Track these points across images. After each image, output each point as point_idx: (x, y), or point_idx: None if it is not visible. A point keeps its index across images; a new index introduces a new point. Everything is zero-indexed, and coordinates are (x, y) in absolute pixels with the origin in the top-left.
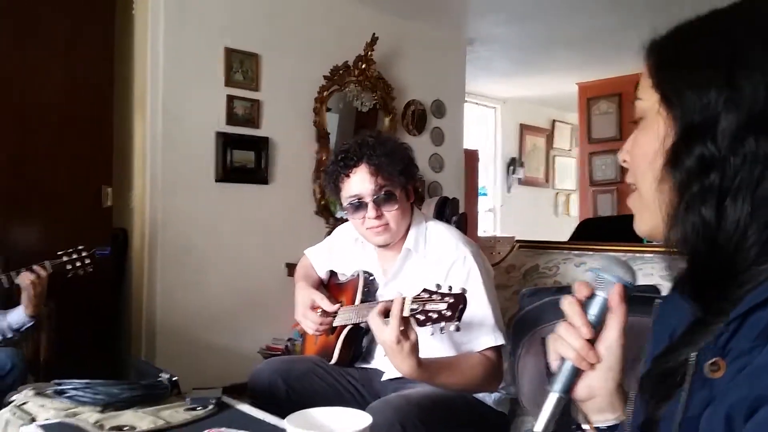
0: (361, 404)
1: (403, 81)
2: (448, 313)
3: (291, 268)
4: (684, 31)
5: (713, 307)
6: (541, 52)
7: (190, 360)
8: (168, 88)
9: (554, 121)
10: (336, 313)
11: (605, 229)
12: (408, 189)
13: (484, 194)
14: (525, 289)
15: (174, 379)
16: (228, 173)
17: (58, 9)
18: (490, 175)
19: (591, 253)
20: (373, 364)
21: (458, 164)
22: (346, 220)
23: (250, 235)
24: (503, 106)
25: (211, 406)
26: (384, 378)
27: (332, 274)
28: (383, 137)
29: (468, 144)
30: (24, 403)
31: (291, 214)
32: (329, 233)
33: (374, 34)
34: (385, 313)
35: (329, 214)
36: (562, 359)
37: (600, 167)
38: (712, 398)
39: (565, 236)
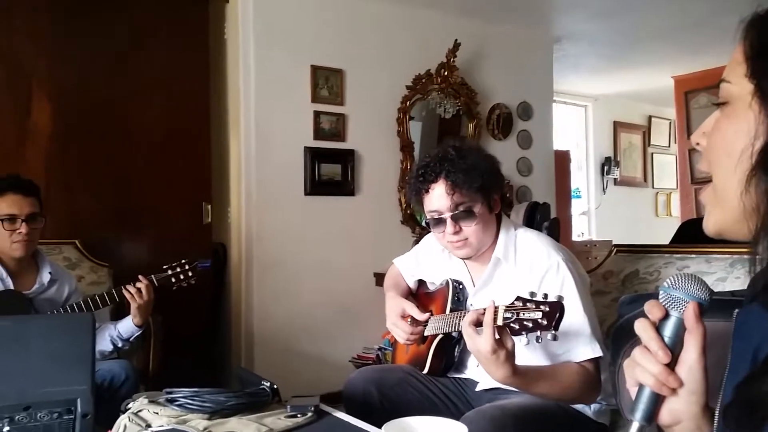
0: (455, 414)
1: (487, 85)
2: (544, 322)
3: (379, 277)
4: None
5: None
6: (632, 46)
7: (285, 368)
8: (259, 106)
9: (650, 116)
10: (426, 322)
11: None
12: (491, 200)
13: (578, 196)
14: (624, 296)
15: (275, 387)
16: (316, 186)
17: (158, 37)
18: (583, 176)
19: (694, 256)
20: (467, 374)
21: (548, 167)
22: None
23: (338, 246)
24: (595, 104)
25: (310, 414)
26: (478, 388)
27: (421, 283)
28: (465, 149)
29: (558, 145)
30: (140, 411)
31: (378, 224)
32: (415, 242)
33: (456, 40)
34: (477, 323)
35: (415, 223)
36: (641, 385)
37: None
38: None
39: (667, 239)
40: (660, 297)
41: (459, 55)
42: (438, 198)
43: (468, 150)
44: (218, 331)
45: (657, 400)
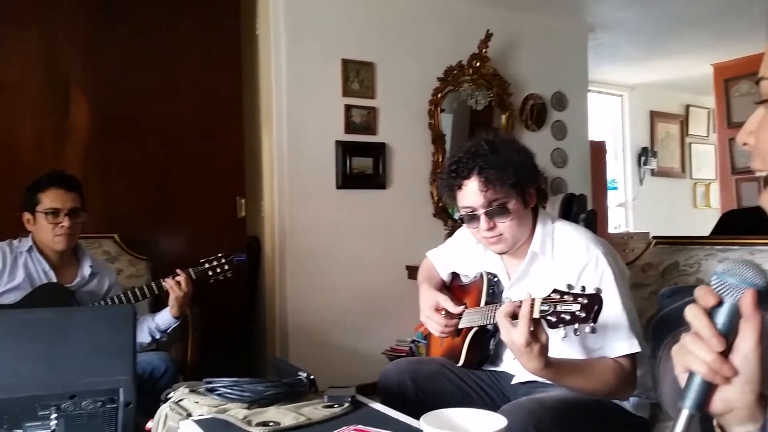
0: (491, 407)
1: (520, 75)
2: (582, 315)
3: (411, 270)
4: None
5: None
6: (670, 33)
7: (319, 360)
8: (291, 101)
9: (688, 106)
10: (461, 314)
11: (751, 221)
12: (526, 195)
13: (614, 188)
14: (665, 288)
15: (311, 377)
16: (348, 180)
17: (191, 34)
18: (619, 167)
19: (736, 247)
20: (502, 367)
21: (583, 158)
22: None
23: (370, 239)
24: (631, 93)
25: (346, 404)
26: (514, 381)
27: (454, 275)
28: (498, 143)
29: (594, 136)
30: (180, 400)
31: (409, 217)
32: (448, 235)
33: (488, 30)
34: (513, 315)
35: (447, 216)
36: (691, 372)
37: (743, 153)
38: None
39: (706, 230)
40: (712, 283)
41: (491, 46)
42: (471, 194)
43: (501, 144)
44: (253, 323)
45: (708, 389)
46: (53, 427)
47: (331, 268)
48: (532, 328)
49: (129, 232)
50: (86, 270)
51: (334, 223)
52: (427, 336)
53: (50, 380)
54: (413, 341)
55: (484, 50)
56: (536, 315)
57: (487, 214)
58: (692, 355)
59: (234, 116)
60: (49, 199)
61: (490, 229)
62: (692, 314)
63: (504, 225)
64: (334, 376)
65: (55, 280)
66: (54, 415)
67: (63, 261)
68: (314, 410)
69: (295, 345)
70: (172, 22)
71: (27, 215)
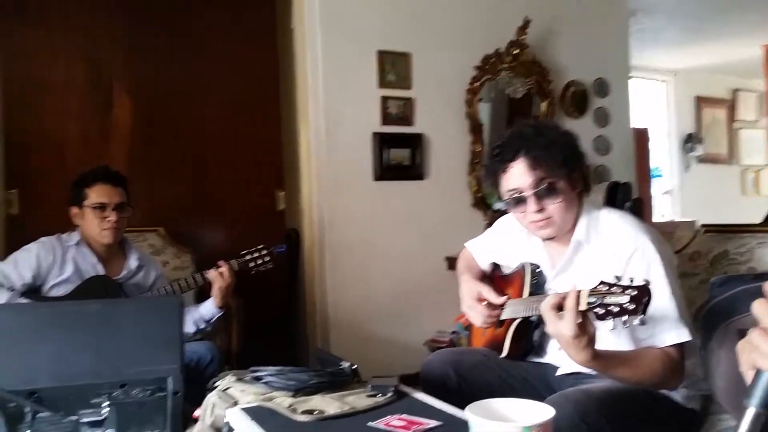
0: (535, 398)
1: (560, 62)
2: (631, 306)
3: (451, 261)
4: None
5: None
6: (716, 15)
7: (359, 350)
8: (327, 94)
9: (736, 90)
10: (503, 305)
11: None
12: (573, 178)
13: (659, 176)
14: (715, 277)
15: (354, 367)
16: (385, 171)
17: (228, 31)
18: (664, 154)
19: None
20: (546, 358)
21: (627, 145)
22: (504, 213)
23: (409, 230)
24: (675, 79)
25: (390, 394)
26: (559, 372)
27: (495, 266)
28: (542, 126)
29: (637, 122)
30: (227, 388)
31: (448, 208)
32: (487, 226)
33: (526, 17)
34: (559, 307)
35: (486, 206)
36: (758, 370)
37: None
38: None
39: (756, 217)
40: None
41: (529, 33)
42: (518, 175)
43: (545, 127)
44: (294, 313)
45: None
46: (105, 415)
47: (370, 259)
48: (579, 321)
49: (173, 225)
50: (133, 263)
51: (371, 214)
52: (468, 327)
53: (102, 369)
54: (454, 332)
55: (522, 37)
56: (583, 307)
57: (536, 195)
58: (760, 353)
59: (271, 111)
60: (96, 194)
61: (539, 211)
62: (762, 310)
63: (553, 207)
64: (375, 367)
65: (103, 272)
66: (106, 403)
67: (110, 254)
68: (358, 399)
69: (335, 335)
70: (208, 19)
71: (75, 210)
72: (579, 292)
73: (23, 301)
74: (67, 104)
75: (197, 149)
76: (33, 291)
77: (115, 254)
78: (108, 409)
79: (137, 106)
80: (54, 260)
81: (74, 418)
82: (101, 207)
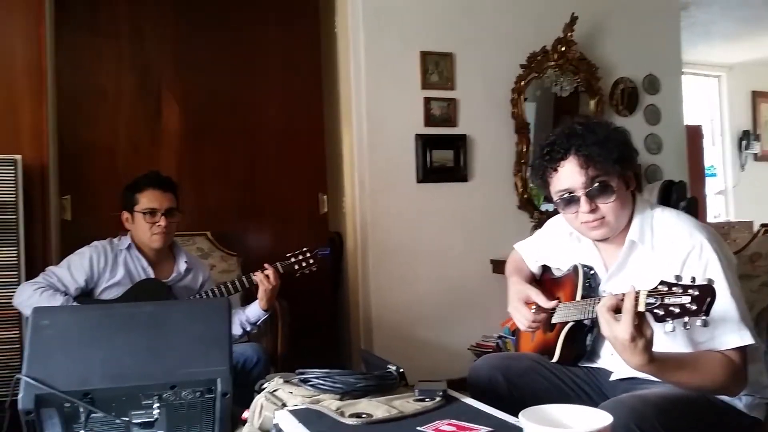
0: (588, 404)
1: (609, 59)
2: (693, 307)
3: (496, 264)
4: None
5: None
6: None
7: (403, 354)
8: (370, 96)
9: None
10: (553, 309)
11: None
12: (627, 176)
13: (713, 175)
14: None
15: (401, 370)
16: (428, 173)
17: (272, 37)
18: (718, 152)
19: None
20: (599, 363)
21: (679, 143)
22: (552, 214)
23: (453, 233)
24: (729, 74)
25: (438, 398)
26: (613, 378)
27: (545, 269)
28: (593, 123)
29: (689, 120)
30: (275, 390)
31: (493, 210)
32: (534, 227)
33: (573, 13)
34: (616, 309)
35: (533, 207)
36: None
37: None
38: None
39: None
40: None
41: (576, 29)
42: (569, 175)
43: (596, 124)
44: (337, 316)
45: None
46: (156, 416)
47: (414, 262)
48: (636, 323)
49: (220, 229)
50: (182, 266)
51: (415, 217)
52: (516, 331)
53: (152, 371)
54: (500, 337)
55: (569, 34)
56: (641, 308)
57: (588, 194)
58: None
59: (314, 114)
60: (146, 200)
61: (592, 211)
62: None
63: (607, 206)
64: (419, 371)
65: (153, 275)
66: (156, 404)
67: (160, 257)
68: (406, 403)
69: (379, 338)
70: (252, 25)
71: (126, 214)
72: (638, 292)
73: (77, 304)
74: (118, 112)
75: (243, 154)
76: (85, 294)
77: (164, 257)
78: (158, 410)
79: (185, 112)
80: (106, 264)
81: (126, 418)
82: (151, 212)
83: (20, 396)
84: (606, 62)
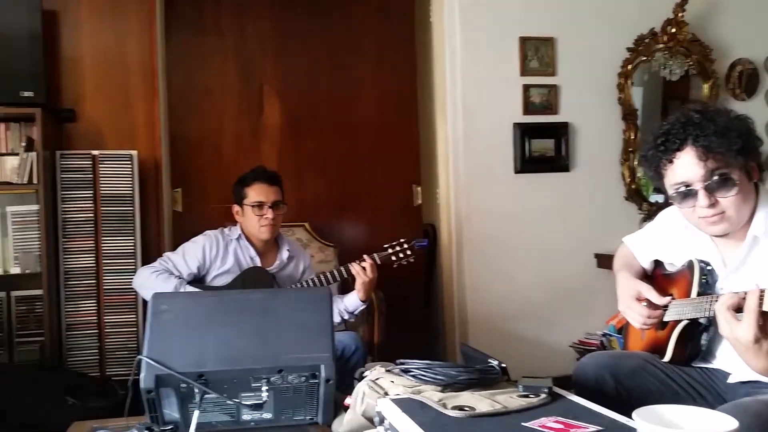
0: (702, 407)
1: (725, 39)
2: None
3: (601, 258)
4: None
5: None
6: None
7: (499, 348)
8: (466, 85)
9: None
10: (666, 306)
11: None
12: (750, 167)
13: None
14: None
15: (503, 365)
16: (527, 164)
17: (369, 30)
18: None
19: None
20: (715, 364)
21: None
22: (662, 205)
23: (554, 225)
24: None
25: (543, 395)
26: (731, 380)
27: (657, 264)
28: (712, 111)
29: None
30: (377, 379)
31: (597, 202)
32: (644, 220)
33: None
34: (737, 308)
35: (642, 198)
36: None
37: None
38: None
39: None
40: None
41: (688, 9)
42: (686, 167)
43: (715, 112)
44: (432, 308)
45: None
46: (265, 398)
47: (511, 255)
48: (761, 323)
49: (317, 220)
50: (285, 254)
51: (512, 209)
52: (623, 329)
53: (262, 355)
54: (605, 335)
55: (680, 14)
56: (766, 308)
57: (706, 188)
58: None
59: (409, 105)
60: (255, 193)
61: (711, 205)
62: None
63: (727, 200)
64: (517, 366)
65: (259, 264)
66: (265, 387)
67: (266, 247)
68: (509, 398)
69: (474, 332)
70: (351, 21)
71: (236, 208)
72: (762, 290)
73: (190, 289)
74: (223, 107)
75: (339, 147)
76: (197, 280)
77: (270, 247)
78: (267, 393)
79: (285, 107)
80: (218, 253)
81: (236, 400)
82: (259, 205)
83: (142, 376)
84: (721, 43)
